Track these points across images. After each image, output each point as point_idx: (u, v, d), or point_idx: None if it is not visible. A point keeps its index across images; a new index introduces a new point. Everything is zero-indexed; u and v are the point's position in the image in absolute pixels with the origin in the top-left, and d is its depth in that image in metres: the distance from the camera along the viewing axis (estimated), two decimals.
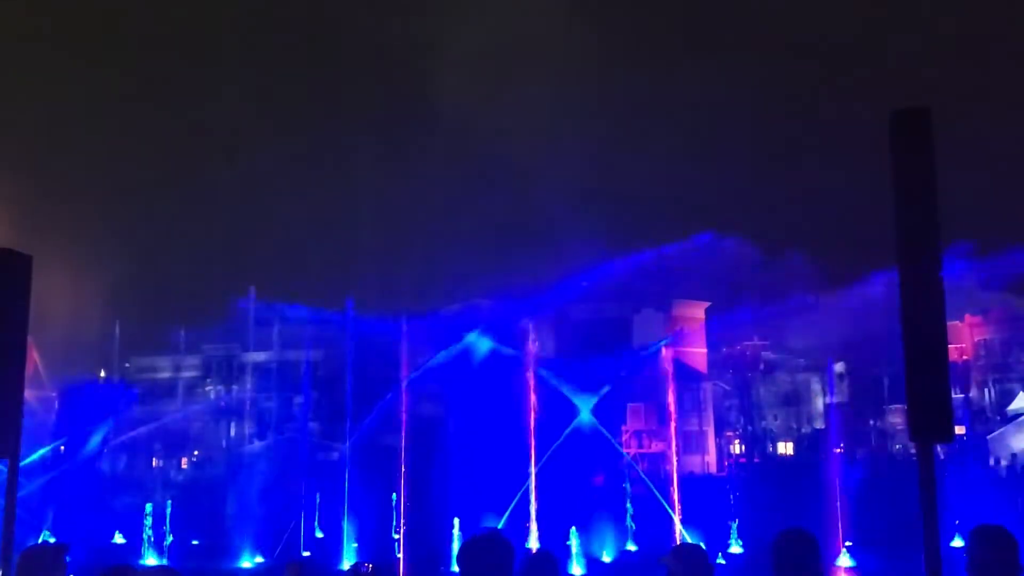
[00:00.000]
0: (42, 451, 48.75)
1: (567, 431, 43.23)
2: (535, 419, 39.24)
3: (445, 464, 43.49)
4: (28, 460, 41.26)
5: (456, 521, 31.34)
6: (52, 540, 26.25)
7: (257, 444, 69.97)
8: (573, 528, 30.47)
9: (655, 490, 36.57)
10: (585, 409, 44.23)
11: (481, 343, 47.43)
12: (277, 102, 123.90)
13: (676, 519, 33.75)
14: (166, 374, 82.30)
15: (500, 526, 34.49)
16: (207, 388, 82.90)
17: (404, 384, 37.57)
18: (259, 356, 79.38)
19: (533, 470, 36.58)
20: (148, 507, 34.42)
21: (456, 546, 28.96)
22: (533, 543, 33.16)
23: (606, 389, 44.95)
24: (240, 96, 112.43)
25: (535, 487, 36.20)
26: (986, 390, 71.26)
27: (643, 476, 41.35)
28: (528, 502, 35.28)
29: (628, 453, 60.26)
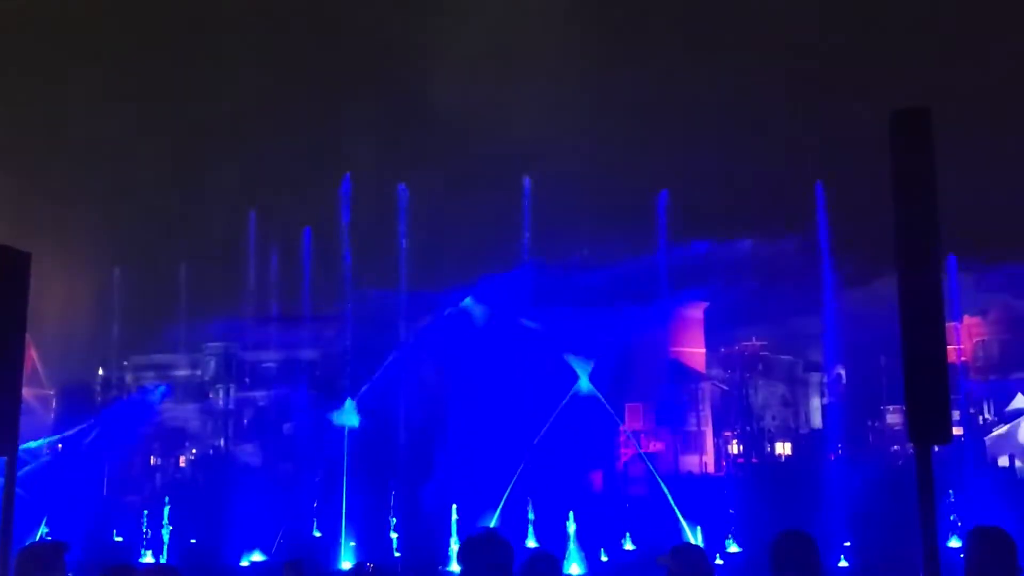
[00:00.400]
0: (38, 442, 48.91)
1: (566, 399, 43.05)
2: (533, 396, 39.18)
3: (443, 458, 43.48)
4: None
5: (454, 512, 31.31)
6: (48, 538, 26.23)
7: (254, 443, 69.93)
8: (571, 519, 30.43)
9: (665, 488, 36.50)
10: (583, 376, 43.96)
11: (476, 309, 47.65)
12: (277, 102, 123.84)
13: (682, 519, 33.76)
14: (165, 372, 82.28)
15: (496, 518, 34.56)
16: (204, 386, 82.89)
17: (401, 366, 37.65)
18: (258, 355, 79.35)
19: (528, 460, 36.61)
20: (145, 505, 34.41)
21: (454, 544, 28.98)
22: (531, 542, 33.16)
23: (590, 366, 44.62)
24: (240, 96, 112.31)
25: (531, 470, 36.17)
26: (984, 391, 71.21)
27: (655, 473, 41.11)
28: (526, 499, 35.22)
29: (626, 453, 60.31)
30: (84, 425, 51.45)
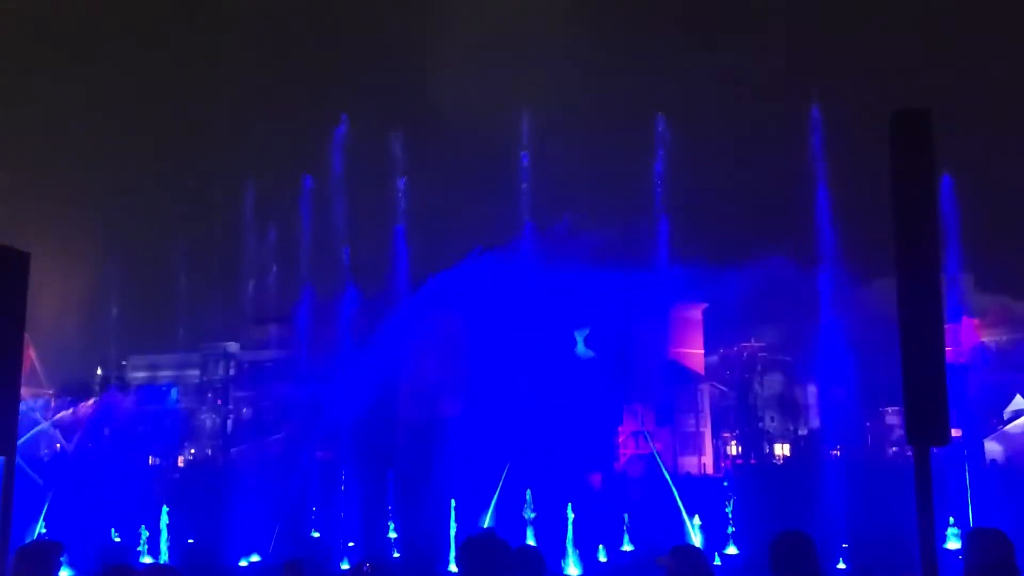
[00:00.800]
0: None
1: (566, 362, 43.11)
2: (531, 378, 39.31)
3: (442, 453, 43.43)
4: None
5: (452, 511, 31.29)
6: (45, 537, 26.21)
7: (253, 443, 69.93)
8: (570, 520, 30.43)
9: (673, 487, 36.47)
10: (580, 341, 44.13)
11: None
12: (277, 101, 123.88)
13: (685, 516, 33.76)
14: (163, 372, 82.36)
15: (489, 517, 34.57)
16: (203, 386, 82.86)
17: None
18: (256, 354, 79.34)
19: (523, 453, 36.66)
20: (144, 505, 34.38)
21: (453, 542, 29.00)
22: (530, 543, 33.08)
23: (586, 331, 44.81)
24: (240, 94, 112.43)
25: (530, 470, 36.22)
26: (983, 393, 71.14)
27: (663, 469, 40.99)
28: (524, 499, 35.20)
29: (625, 455, 60.34)
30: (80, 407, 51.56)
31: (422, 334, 52.68)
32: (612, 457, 58.95)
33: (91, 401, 52.38)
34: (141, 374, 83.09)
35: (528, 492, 33.56)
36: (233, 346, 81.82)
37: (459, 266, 53.00)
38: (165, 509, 34.12)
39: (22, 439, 49.42)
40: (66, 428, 54.17)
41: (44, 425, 51.33)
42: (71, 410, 53.37)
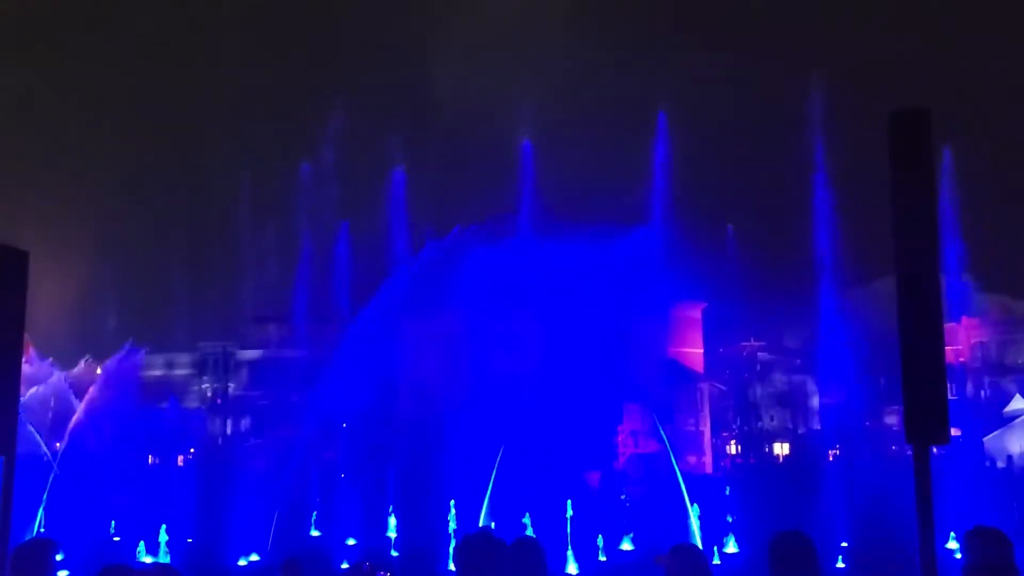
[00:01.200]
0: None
1: (564, 363, 43.26)
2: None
3: (440, 451, 43.48)
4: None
5: (452, 510, 31.30)
6: (41, 535, 26.20)
7: (253, 443, 69.96)
8: (568, 520, 30.43)
9: (683, 486, 36.43)
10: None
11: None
12: (275, 99, 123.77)
13: (689, 508, 33.78)
14: (163, 371, 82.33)
15: (484, 514, 34.59)
16: (203, 385, 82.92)
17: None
18: (255, 353, 79.35)
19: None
20: (144, 505, 34.39)
21: (452, 541, 29.01)
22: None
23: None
24: (239, 93, 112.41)
25: (529, 469, 36.20)
26: (982, 392, 71.27)
27: (676, 470, 40.88)
28: (523, 498, 35.20)
29: (624, 453, 60.36)
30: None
31: (421, 332, 52.65)
32: (611, 456, 58.94)
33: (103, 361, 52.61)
34: (139, 373, 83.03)
35: (527, 515, 33.59)
36: (233, 346, 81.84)
37: (452, 243, 52.98)
38: (164, 509, 34.14)
39: (29, 393, 49.39)
40: (76, 386, 54.45)
41: (55, 377, 51.44)
42: (84, 363, 53.51)
